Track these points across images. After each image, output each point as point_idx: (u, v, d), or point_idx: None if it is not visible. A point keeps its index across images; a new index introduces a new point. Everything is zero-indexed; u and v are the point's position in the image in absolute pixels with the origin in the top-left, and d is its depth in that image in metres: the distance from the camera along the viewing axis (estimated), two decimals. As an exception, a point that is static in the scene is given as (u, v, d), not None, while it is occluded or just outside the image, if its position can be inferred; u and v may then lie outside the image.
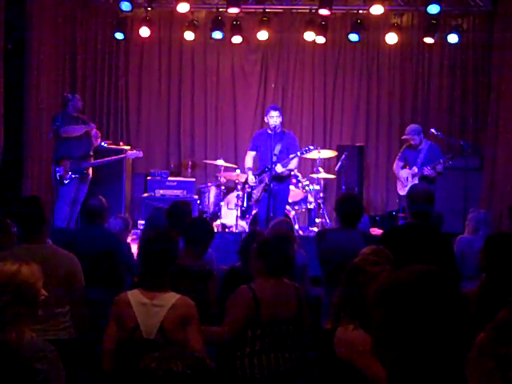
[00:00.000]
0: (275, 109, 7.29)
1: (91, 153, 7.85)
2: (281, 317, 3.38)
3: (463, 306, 1.47)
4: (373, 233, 7.22)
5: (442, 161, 7.41)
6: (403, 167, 7.85)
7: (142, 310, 3.08)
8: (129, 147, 9.13)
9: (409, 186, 7.61)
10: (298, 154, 7.18)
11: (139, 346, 3.05)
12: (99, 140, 8.18)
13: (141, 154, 8.40)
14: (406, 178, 7.75)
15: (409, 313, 1.44)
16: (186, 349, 2.98)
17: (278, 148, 7.16)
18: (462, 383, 1.48)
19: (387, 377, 1.49)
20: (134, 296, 3.14)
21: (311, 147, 7.35)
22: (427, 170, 7.47)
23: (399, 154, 8.03)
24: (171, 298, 3.11)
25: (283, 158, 7.09)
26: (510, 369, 2.31)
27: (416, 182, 7.57)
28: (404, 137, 7.91)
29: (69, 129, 7.45)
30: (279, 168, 7.00)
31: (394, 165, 8.04)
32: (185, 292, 3.64)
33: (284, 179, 7.31)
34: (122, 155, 8.38)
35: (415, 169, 7.61)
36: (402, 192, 7.84)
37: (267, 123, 7.24)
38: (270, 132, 7.13)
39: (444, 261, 4.13)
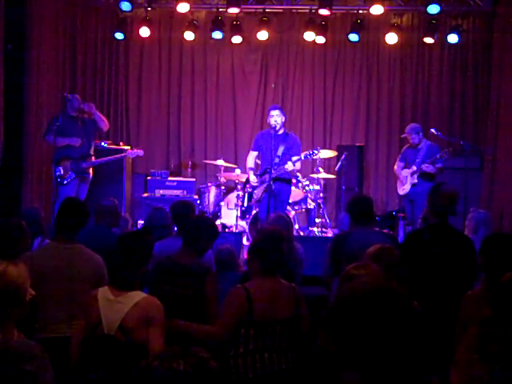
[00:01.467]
0: (275, 108, 7.29)
1: (91, 152, 7.84)
2: (276, 317, 3.37)
3: (413, 321, 1.50)
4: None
5: (438, 156, 7.42)
6: (404, 168, 7.84)
7: (106, 306, 3.12)
8: (129, 147, 9.13)
9: (408, 184, 7.66)
10: (302, 157, 7.16)
11: (100, 341, 3.09)
12: (104, 123, 7.91)
13: (141, 153, 8.35)
14: (405, 177, 7.74)
15: (360, 324, 1.46)
16: (148, 349, 3.02)
17: (280, 150, 7.15)
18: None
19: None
20: (103, 292, 3.18)
21: (315, 151, 7.29)
22: (426, 167, 7.47)
23: (399, 155, 8.03)
24: (136, 296, 3.13)
25: (286, 160, 7.09)
26: (495, 363, 2.35)
27: (415, 179, 7.60)
28: (403, 135, 7.93)
29: (50, 139, 7.36)
30: (290, 166, 7.01)
31: (395, 166, 8.03)
32: (183, 290, 3.64)
33: (285, 180, 7.31)
34: (123, 154, 8.37)
35: (414, 167, 7.61)
36: (402, 192, 7.84)
37: (269, 124, 7.23)
38: (272, 133, 7.12)
39: (466, 262, 4.14)
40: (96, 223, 5.07)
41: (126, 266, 3.20)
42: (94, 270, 3.65)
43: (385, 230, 8.34)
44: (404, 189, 7.77)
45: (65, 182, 7.55)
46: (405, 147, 8.01)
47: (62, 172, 7.52)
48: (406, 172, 7.75)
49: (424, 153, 7.63)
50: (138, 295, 3.14)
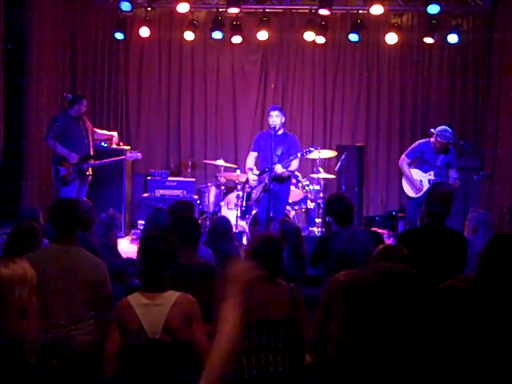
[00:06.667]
0: (274, 109, 7.29)
1: (91, 153, 7.85)
2: (271, 318, 3.36)
3: (428, 305, 1.50)
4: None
5: (475, 178, 7.12)
6: (410, 164, 7.48)
7: (144, 311, 3.10)
8: (129, 147, 9.12)
9: (424, 192, 7.15)
10: (299, 155, 7.16)
11: (145, 347, 3.06)
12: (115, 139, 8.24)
13: (140, 156, 8.33)
14: (420, 181, 7.32)
15: (375, 312, 1.45)
16: (192, 345, 3.04)
17: (279, 150, 7.15)
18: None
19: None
20: (135, 299, 3.16)
21: (311, 148, 7.30)
22: (453, 181, 7.04)
23: (408, 151, 7.53)
24: (172, 296, 3.13)
25: (284, 160, 7.08)
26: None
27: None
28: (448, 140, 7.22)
29: (51, 143, 7.36)
30: (279, 168, 6.99)
31: (401, 160, 7.61)
32: (191, 291, 3.65)
33: (284, 180, 7.30)
34: (122, 157, 8.33)
35: (432, 174, 7.29)
36: (413, 195, 7.39)
37: (269, 124, 7.23)
38: (272, 133, 7.12)
39: (458, 262, 4.15)
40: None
41: (158, 267, 3.19)
42: (93, 273, 3.57)
43: (384, 230, 8.35)
44: (417, 194, 7.33)
45: (67, 182, 7.54)
46: (421, 142, 7.46)
47: (64, 172, 7.52)
48: (420, 175, 7.36)
49: (442, 158, 7.29)
50: (174, 294, 3.14)
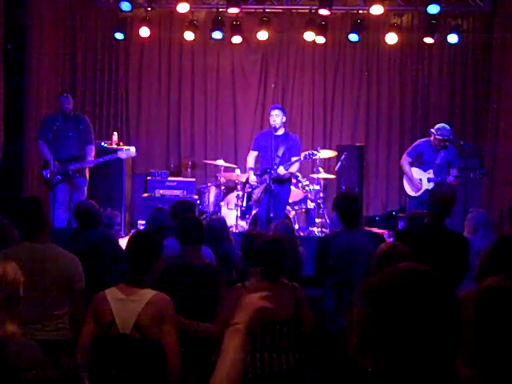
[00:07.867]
0: (274, 108, 7.30)
1: (82, 154, 7.34)
2: (275, 317, 3.38)
3: (454, 308, 1.47)
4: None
5: (472, 176, 7.14)
6: (411, 163, 7.45)
7: (119, 305, 3.12)
8: (128, 147, 9.11)
9: (423, 190, 7.19)
10: (302, 158, 7.15)
11: (115, 340, 3.09)
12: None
13: (133, 154, 7.70)
14: (419, 180, 7.31)
15: (400, 314, 1.43)
16: (163, 346, 3.06)
17: (281, 150, 7.14)
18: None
19: (371, 377, 1.48)
20: (111, 292, 3.19)
21: (315, 152, 7.25)
22: (452, 178, 7.08)
23: (410, 150, 7.52)
24: (147, 294, 3.16)
25: (285, 161, 7.08)
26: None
27: (432, 185, 7.06)
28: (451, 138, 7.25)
29: (42, 147, 7.26)
30: (281, 170, 6.99)
31: (402, 159, 7.60)
32: (196, 290, 3.66)
33: (285, 181, 7.30)
34: (114, 155, 7.60)
35: (431, 172, 7.28)
36: (413, 194, 7.40)
37: (270, 124, 7.23)
38: (272, 132, 7.11)
39: (457, 262, 4.14)
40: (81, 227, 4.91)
41: (136, 264, 3.22)
42: (66, 269, 3.56)
43: (384, 230, 8.35)
44: (417, 193, 7.33)
45: (51, 184, 7.23)
46: (421, 141, 7.46)
47: (47, 174, 7.23)
48: (419, 174, 7.33)
49: (442, 157, 7.26)
50: (149, 293, 3.16)
